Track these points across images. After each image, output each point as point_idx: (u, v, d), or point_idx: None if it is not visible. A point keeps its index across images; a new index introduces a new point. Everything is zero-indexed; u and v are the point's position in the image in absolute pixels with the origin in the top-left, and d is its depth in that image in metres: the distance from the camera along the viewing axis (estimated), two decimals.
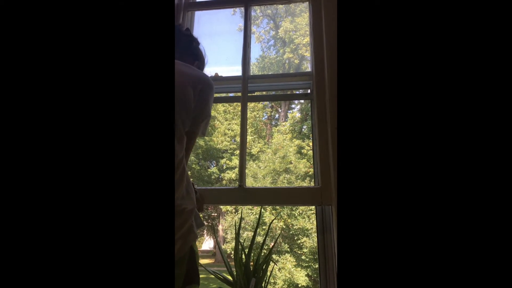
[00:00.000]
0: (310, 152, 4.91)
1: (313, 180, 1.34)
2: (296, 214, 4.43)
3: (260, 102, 6.28)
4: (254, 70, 6.90)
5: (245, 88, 1.33)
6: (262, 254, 1.19)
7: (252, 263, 1.14)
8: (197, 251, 0.65)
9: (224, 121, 5.88)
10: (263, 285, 1.13)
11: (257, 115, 6.14)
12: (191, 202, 0.62)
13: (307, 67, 6.49)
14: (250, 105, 5.67)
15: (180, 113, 0.63)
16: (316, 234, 1.25)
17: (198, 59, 0.88)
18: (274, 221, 4.00)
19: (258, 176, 4.90)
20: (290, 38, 6.81)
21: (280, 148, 5.30)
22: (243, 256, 1.14)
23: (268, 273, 1.14)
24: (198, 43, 0.89)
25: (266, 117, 6.51)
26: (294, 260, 4.35)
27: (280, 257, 4.35)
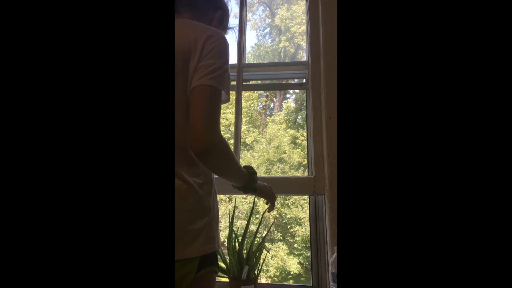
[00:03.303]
0: (304, 142, 4.93)
1: (306, 170, 1.35)
2: (289, 204, 4.49)
3: (255, 91, 6.25)
4: (249, 58, 6.81)
5: (240, 76, 1.32)
6: (255, 242, 1.21)
7: (245, 251, 1.16)
8: None
9: None
10: (255, 272, 1.15)
11: (252, 105, 6.11)
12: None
13: (303, 56, 6.44)
14: (245, 94, 5.63)
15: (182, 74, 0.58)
16: (308, 223, 1.28)
17: (220, 7, 0.74)
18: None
19: (252, 165, 4.92)
20: (286, 27, 6.72)
21: (275, 138, 5.31)
22: (237, 244, 1.16)
23: (261, 261, 1.16)
24: None
25: (261, 106, 6.48)
26: (287, 248, 4.43)
27: (273, 245, 4.43)
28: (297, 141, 5.22)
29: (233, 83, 1.28)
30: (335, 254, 1.00)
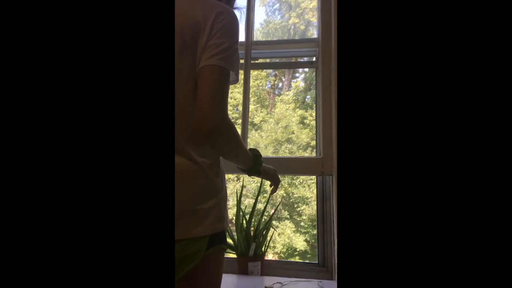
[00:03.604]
0: (313, 123, 4.87)
1: (314, 150, 1.35)
2: (297, 183, 4.52)
3: (264, 70, 6.13)
4: (257, 35, 6.63)
5: (248, 54, 1.29)
6: (263, 220, 1.23)
7: (252, 229, 1.19)
8: None
9: None
10: (263, 249, 1.18)
11: (260, 84, 6.02)
12: None
13: (313, 33, 6.23)
14: (253, 73, 5.54)
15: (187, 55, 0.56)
16: (315, 203, 1.29)
17: None
18: None
19: (260, 145, 4.93)
20: (297, 2, 6.45)
21: (283, 118, 5.26)
22: (244, 222, 1.18)
23: (268, 238, 1.19)
24: None
25: (270, 86, 6.38)
26: (293, 226, 4.52)
27: (280, 223, 4.52)
28: (305, 121, 5.17)
29: (241, 61, 1.26)
30: None
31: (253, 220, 1.20)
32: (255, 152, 0.72)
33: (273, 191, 0.85)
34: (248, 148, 0.69)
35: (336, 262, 1.03)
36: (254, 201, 1.21)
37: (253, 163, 0.70)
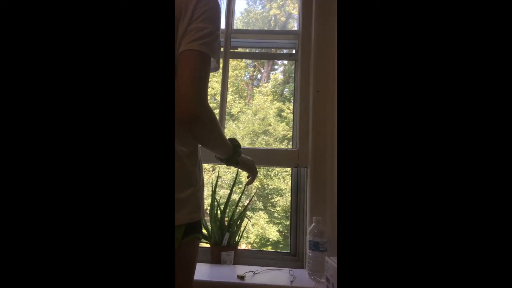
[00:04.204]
0: (290, 116, 4.93)
1: (290, 143, 1.37)
2: (272, 175, 4.59)
3: (243, 61, 6.07)
4: (238, 24, 6.53)
5: (228, 42, 1.26)
6: (237, 211, 1.23)
7: (227, 219, 1.19)
8: None
9: None
10: (236, 239, 1.19)
11: (239, 74, 5.96)
12: None
13: (294, 26, 6.23)
14: (232, 63, 5.46)
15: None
16: (289, 194, 1.31)
17: None
18: None
19: (237, 136, 4.92)
20: None
21: (261, 109, 5.27)
22: (219, 212, 1.18)
23: (242, 228, 1.20)
24: None
25: (248, 77, 6.34)
26: (267, 217, 4.60)
27: (254, 214, 4.58)
28: (282, 113, 5.21)
29: (221, 49, 1.23)
30: (313, 224, 1.04)
31: (227, 210, 1.20)
32: (234, 142, 0.71)
33: (249, 182, 0.85)
34: (228, 138, 0.69)
35: (307, 251, 1.06)
36: (229, 191, 1.21)
37: (232, 153, 0.69)
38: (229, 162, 0.71)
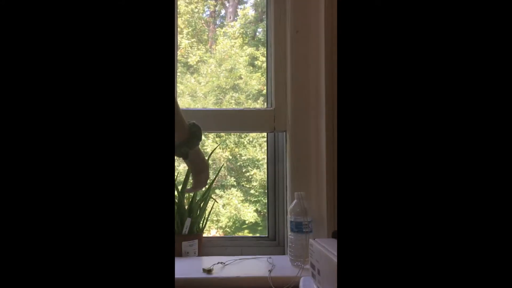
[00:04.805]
0: (265, 65, 4.87)
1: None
2: (245, 142, 4.62)
3: None
4: None
5: None
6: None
7: (186, 202, 1.20)
8: None
9: None
10: (200, 225, 1.22)
11: (196, 10, 5.69)
12: None
13: None
14: None
15: None
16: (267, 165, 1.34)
17: None
18: (217, 151, 4.14)
19: (197, 94, 4.82)
20: None
21: (227, 57, 5.13)
22: (176, 194, 1.19)
23: (208, 212, 1.22)
24: None
25: (209, 13, 6.08)
26: (242, 195, 4.71)
27: (224, 192, 4.66)
28: (256, 62, 5.13)
29: None
30: (295, 201, 1.08)
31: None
32: (193, 128, 0.69)
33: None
34: (189, 122, 0.67)
35: (288, 234, 1.11)
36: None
37: (186, 139, 0.67)
38: (178, 149, 0.69)
